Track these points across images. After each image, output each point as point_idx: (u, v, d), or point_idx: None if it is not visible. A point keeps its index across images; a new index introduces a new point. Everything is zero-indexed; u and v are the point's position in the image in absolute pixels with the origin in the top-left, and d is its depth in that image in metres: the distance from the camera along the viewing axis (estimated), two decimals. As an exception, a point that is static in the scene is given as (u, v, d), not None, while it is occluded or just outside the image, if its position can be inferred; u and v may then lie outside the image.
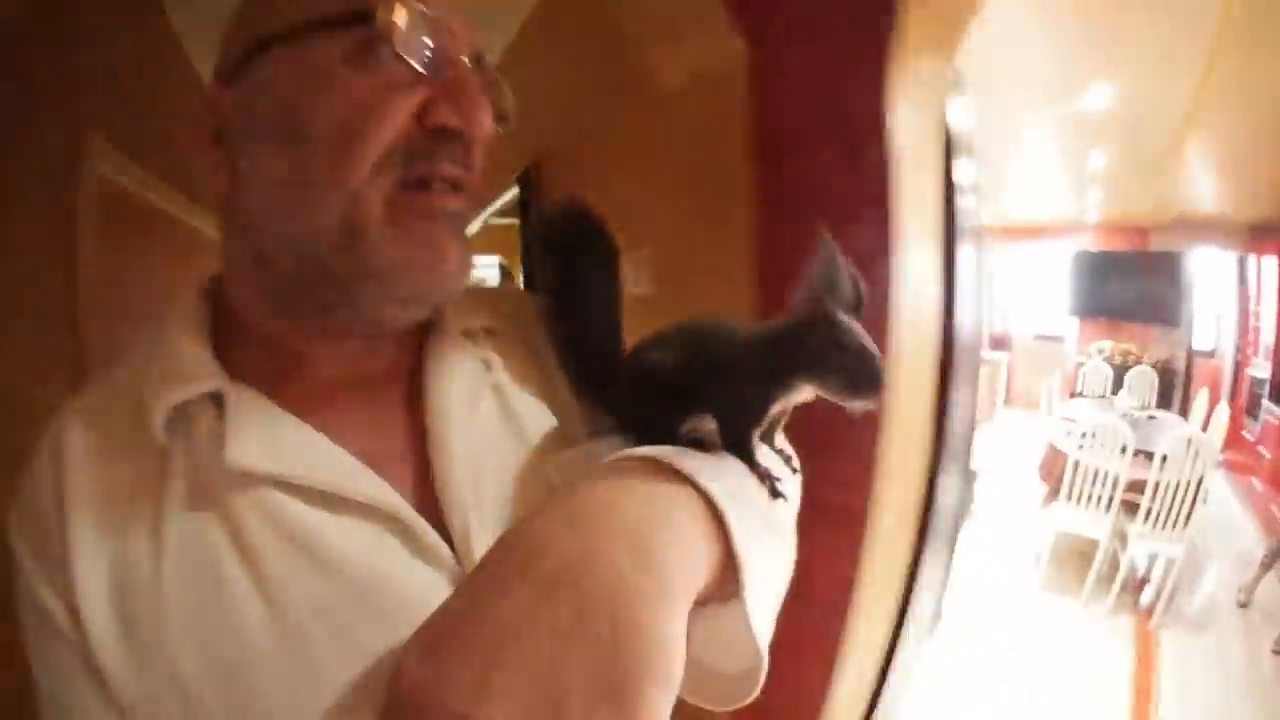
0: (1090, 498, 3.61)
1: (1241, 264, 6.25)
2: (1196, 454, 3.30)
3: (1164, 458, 3.35)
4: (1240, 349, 6.14)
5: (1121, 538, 3.56)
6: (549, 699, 0.23)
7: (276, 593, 0.36)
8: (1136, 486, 3.45)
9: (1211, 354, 6.83)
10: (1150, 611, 3.49)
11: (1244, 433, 5.53)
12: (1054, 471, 3.81)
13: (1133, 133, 3.83)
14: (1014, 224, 7.43)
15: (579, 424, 0.52)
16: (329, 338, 0.45)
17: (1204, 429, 4.39)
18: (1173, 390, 6.37)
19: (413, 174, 0.40)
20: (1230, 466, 5.41)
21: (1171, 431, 3.44)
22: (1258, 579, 3.66)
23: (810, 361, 0.38)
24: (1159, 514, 3.42)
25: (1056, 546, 3.86)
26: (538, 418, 0.50)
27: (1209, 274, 6.81)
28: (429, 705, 0.24)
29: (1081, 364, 6.69)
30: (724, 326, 0.45)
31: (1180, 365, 6.80)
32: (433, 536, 0.41)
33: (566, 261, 0.54)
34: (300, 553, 0.37)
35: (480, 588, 0.28)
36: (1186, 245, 6.63)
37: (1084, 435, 3.66)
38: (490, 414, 0.48)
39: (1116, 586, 3.53)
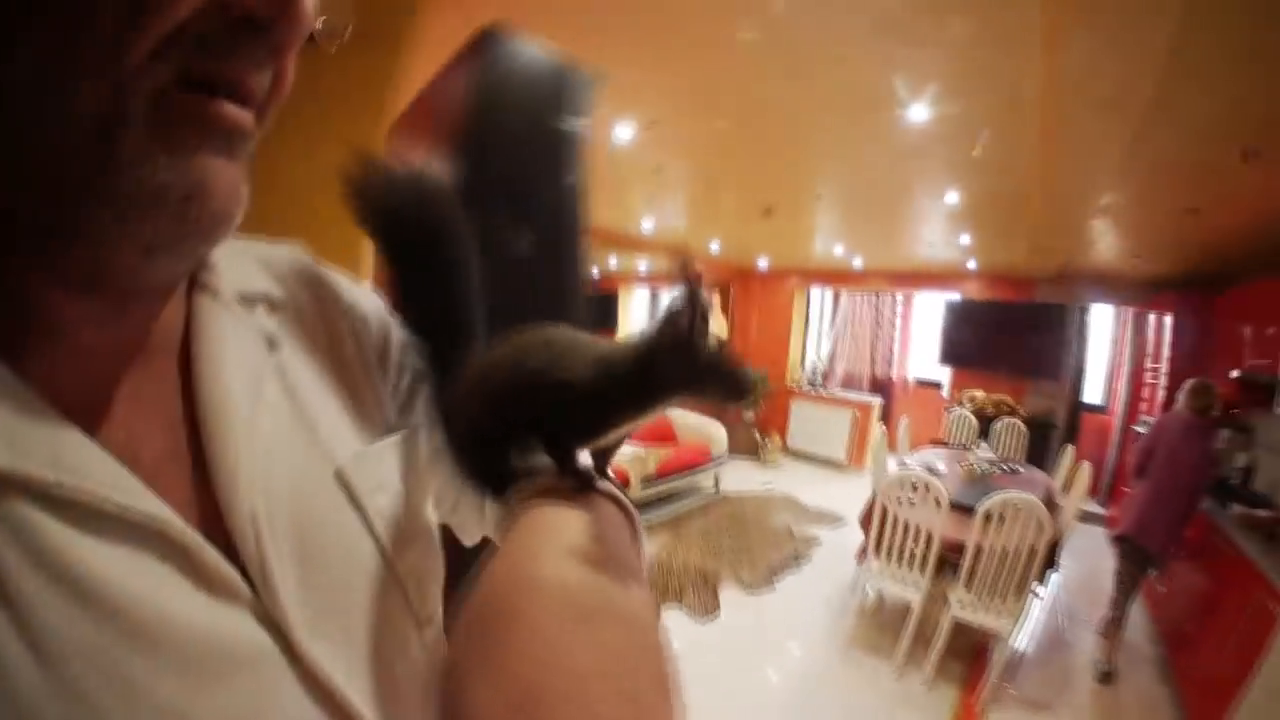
0: (904, 554, 3.35)
1: (1138, 320, 6.31)
2: (1028, 516, 2.98)
3: (987, 516, 3.03)
4: (1131, 406, 6.15)
5: (944, 601, 3.29)
6: (627, 700, 0.28)
7: (44, 640, 0.27)
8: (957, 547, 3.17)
9: (1103, 410, 6.90)
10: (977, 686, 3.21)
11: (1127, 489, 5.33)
12: (871, 522, 3.51)
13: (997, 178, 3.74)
14: (902, 269, 7.35)
15: (374, 419, 0.46)
16: (73, 289, 0.32)
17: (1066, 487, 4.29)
18: (1048, 445, 6.19)
19: (198, 70, 0.29)
20: (1113, 525, 5.13)
21: (1002, 491, 3.11)
22: (1111, 650, 3.55)
23: (691, 380, 0.39)
24: (982, 579, 3.09)
25: (879, 604, 3.66)
26: (329, 411, 0.43)
27: (1101, 328, 6.92)
28: None
29: (949, 411, 6.42)
30: (581, 346, 0.43)
31: (1060, 419, 6.66)
32: (221, 564, 0.33)
33: (402, 250, 0.48)
34: (63, 586, 0.28)
35: (534, 645, 0.29)
36: (1077, 298, 6.62)
37: (904, 486, 3.32)
38: (278, 405, 0.39)
39: (934, 655, 3.23)
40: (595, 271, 7.19)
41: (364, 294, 0.51)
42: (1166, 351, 5.50)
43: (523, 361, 0.42)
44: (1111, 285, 6.26)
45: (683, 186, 4.27)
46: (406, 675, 0.42)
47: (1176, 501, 3.55)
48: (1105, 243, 4.80)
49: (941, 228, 4.89)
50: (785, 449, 7.93)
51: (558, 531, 0.36)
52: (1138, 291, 6.12)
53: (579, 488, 0.40)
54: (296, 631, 0.34)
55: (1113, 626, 3.77)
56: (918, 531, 3.21)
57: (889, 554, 3.35)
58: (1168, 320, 5.42)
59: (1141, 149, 2.65)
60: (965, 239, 5.12)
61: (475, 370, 0.45)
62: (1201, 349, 5.11)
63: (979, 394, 6.83)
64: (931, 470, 4.24)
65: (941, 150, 2.99)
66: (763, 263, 7.89)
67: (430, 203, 0.47)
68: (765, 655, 3.44)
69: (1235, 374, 4.34)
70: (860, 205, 4.53)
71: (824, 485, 6.74)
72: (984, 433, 6.06)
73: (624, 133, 2.93)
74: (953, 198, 3.80)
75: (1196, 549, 3.69)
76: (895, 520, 3.28)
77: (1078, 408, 7.17)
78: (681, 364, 0.38)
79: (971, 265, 6.48)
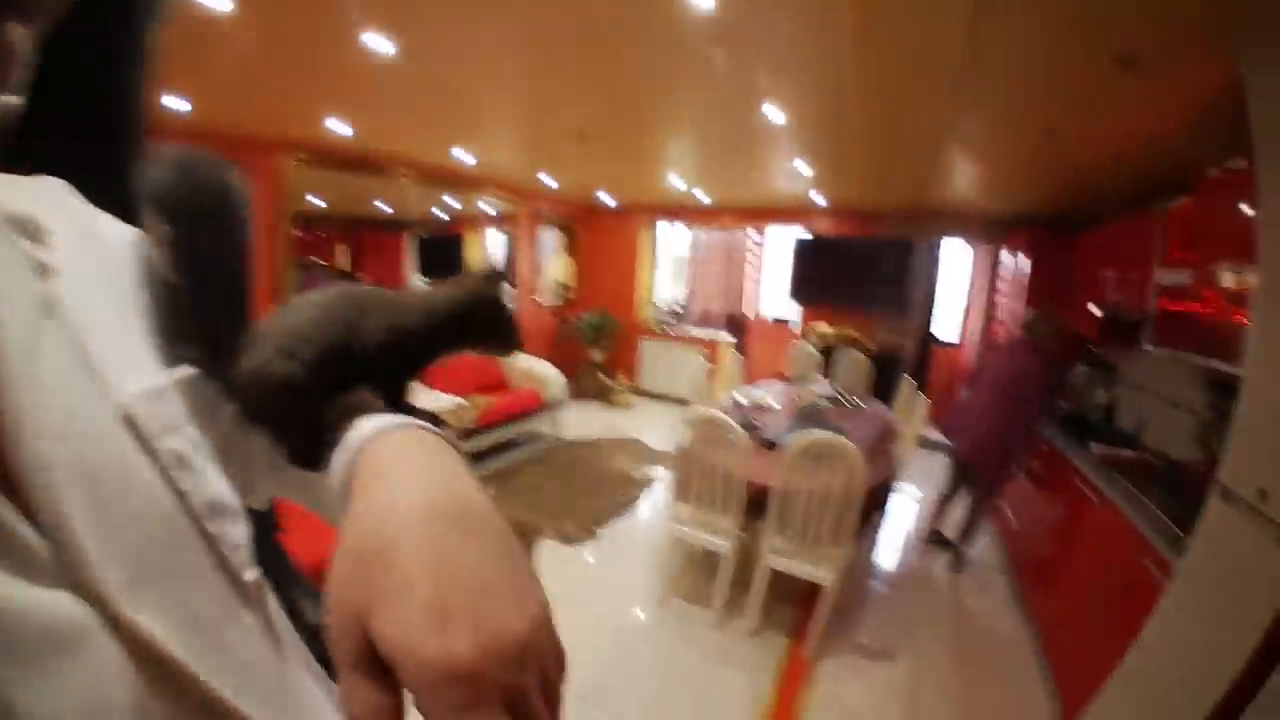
0: (713, 498, 3.02)
1: (993, 257, 6.29)
2: (840, 458, 2.68)
3: (799, 455, 2.73)
4: (984, 342, 6.15)
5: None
6: (524, 597, 0.32)
7: None
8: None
9: (956, 346, 6.95)
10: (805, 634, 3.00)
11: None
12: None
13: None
14: (753, 205, 7.07)
15: (151, 355, 0.42)
16: None
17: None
18: (895, 379, 6.21)
19: None
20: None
21: (810, 431, 2.85)
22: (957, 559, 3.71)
23: (484, 331, 0.51)
24: (796, 525, 2.84)
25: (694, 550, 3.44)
26: (109, 347, 0.38)
27: (956, 265, 6.89)
28: (476, 662, 0.28)
29: (796, 347, 6.31)
30: (387, 295, 0.49)
31: (908, 354, 6.68)
32: (19, 527, 0.29)
33: (186, 227, 0.45)
34: None
35: (421, 562, 0.31)
36: (929, 235, 6.57)
37: (703, 425, 3.00)
38: (53, 337, 0.35)
39: (755, 606, 3.04)
40: (436, 213, 6.53)
41: (123, 227, 0.46)
42: (1024, 289, 5.47)
43: (356, 313, 0.47)
44: (967, 222, 6.23)
45: (479, 109, 3.80)
46: (242, 643, 0.40)
47: (999, 422, 3.57)
48: (957, 174, 4.64)
49: (778, 156, 4.61)
50: (636, 389, 7.72)
51: (409, 460, 0.38)
52: (995, 228, 6.10)
53: (407, 423, 0.42)
54: (117, 602, 0.30)
55: (955, 557, 3.84)
56: (726, 474, 2.90)
57: (698, 498, 3.08)
58: (1024, 259, 5.37)
59: (983, 58, 2.38)
60: (804, 168, 4.84)
61: (290, 328, 0.46)
62: (1060, 286, 5.06)
63: (826, 329, 6.72)
64: (760, 405, 4.00)
65: (750, 54, 2.68)
66: (607, 199, 7.48)
67: (222, 174, 0.46)
68: (578, 610, 3.16)
69: (1096, 311, 4.27)
70: (685, 130, 4.25)
71: (673, 425, 6.48)
72: (829, 367, 5.96)
73: (383, 45, 2.57)
74: (777, 115, 3.47)
75: (1054, 488, 3.61)
76: (699, 462, 2.99)
77: (929, 343, 7.17)
78: (489, 316, 0.50)
79: (820, 200, 6.26)
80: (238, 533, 0.42)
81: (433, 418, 0.46)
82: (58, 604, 0.29)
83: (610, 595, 3.36)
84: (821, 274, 6.88)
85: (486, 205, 6.81)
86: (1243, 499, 1.71)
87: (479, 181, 6.10)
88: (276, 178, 4.37)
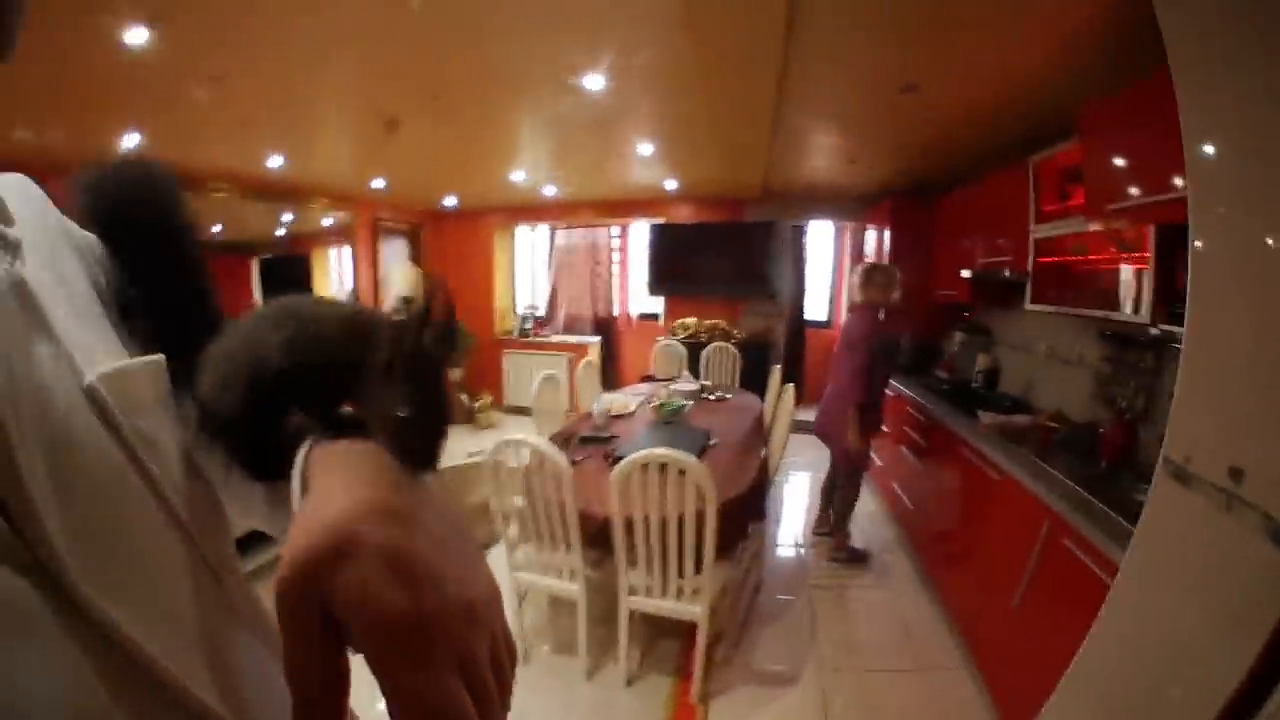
0: (547, 536, 2.48)
1: (856, 233, 6.10)
2: (684, 474, 2.18)
3: (635, 475, 2.17)
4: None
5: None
6: (476, 571, 0.35)
7: None
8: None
9: (827, 325, 6.75)
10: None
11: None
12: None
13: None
14: (610, 198, 6.54)
15: (115, 348, 0.42)
16: None
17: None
18: (767, 366, 5.84)
19: None
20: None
21: (642, 447, 2.31)
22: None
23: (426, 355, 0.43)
24: (649, 557, 2.28)
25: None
26: (73, 328, 0.37)
27: (821, 244, 6.74)
28: (432, 615, 0.29)
29: (658, 344, 5.81)
30: (308, 308, 0.46)
31: (779, 339, 6.30)
32: None
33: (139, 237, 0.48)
34: None
35: (380, 532, 0.31)
36: (791, 215, 6.26)
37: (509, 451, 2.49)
38: (15, 312, 0.34)
39: (622, 653, 2.57)
40: (279, 231, 5.68)
41: (78, 229, 0.46)
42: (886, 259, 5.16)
43: (272, 330, 0.43)
44: (830, 200, 5.96)
45: (283, 109, 3.30)
46: (207, 630, 0.39)
47: (838, 389, 3.40)
48: (815, 148, 4.34)
49: (627, 146, 4.29)
50: (501, 406, 7.05)
51: (357, 460, 0.37)
52: (857, 204, 5.85)
53: (355, 437, 0.40)
54: (76, 585, 0.29)
55: (839, 536, 3.58)
56: (560, 505, 2.35)
57: (539, 537, 2.52)
58: (886, 230, 5.09)
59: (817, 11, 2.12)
60: (656, 157, 4.47)
61: (225, 353, 0.44)
62: (924, 254, 4.83)
63: (691, 321, 6.29)
64: (616, 415, 3.49)
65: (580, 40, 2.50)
66: (451, 201, 6.77)
67: (162, 186, 0.48)
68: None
69: (966, 273, 3.98)
70: (519, 121, 3.90)
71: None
72: (697, 361, 5.49)
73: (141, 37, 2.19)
74: (620, 103, 3.07)
75: (946, 464, 3.26)
76: (530, 495, 2.46)
77: (801, 325, 6.93)
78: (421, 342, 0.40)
79: (672, 186, 5.85)
80: (213, 523, 0.43)
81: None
82: (7, 583, 0.27)
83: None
84: (680, 263, 6.41)
85: (328, 219, 6.03)
86: (1207, 481, 1.28)
87: (305, 191, 5.41)
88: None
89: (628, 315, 7.32)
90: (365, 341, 0.41)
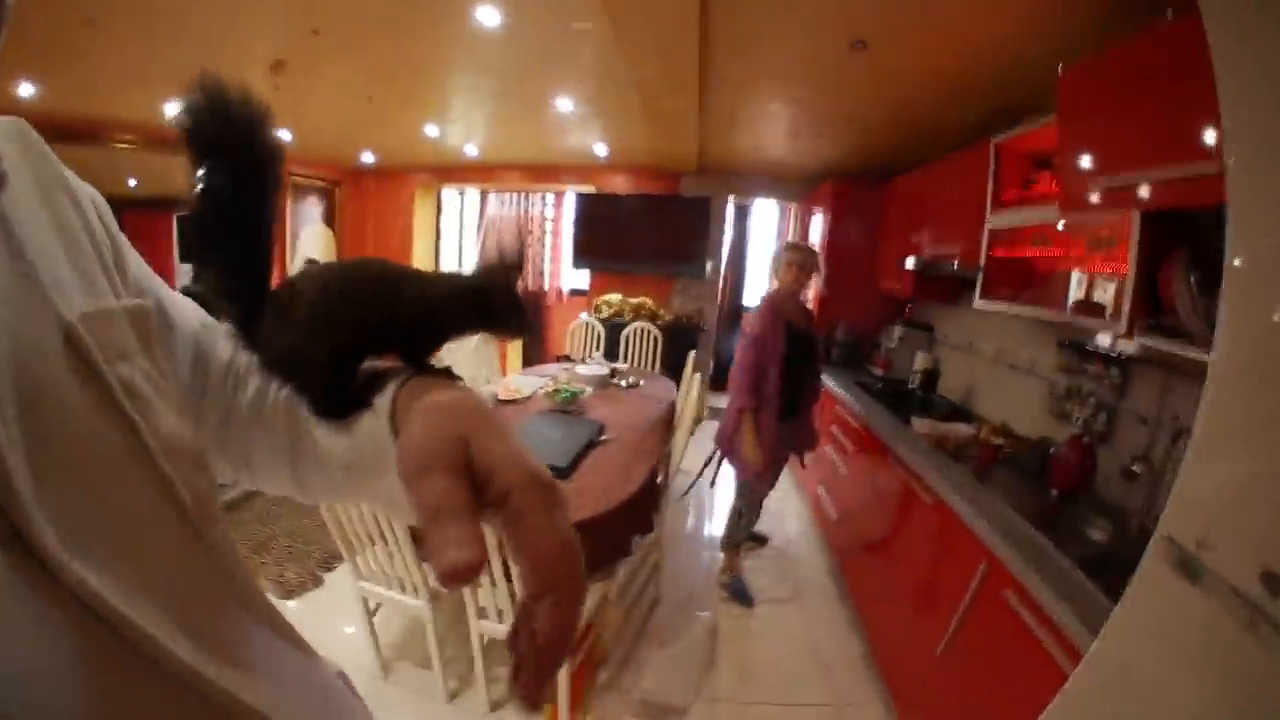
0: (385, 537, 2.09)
1: (802, 214, 5.68)
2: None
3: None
4: None
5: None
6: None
7: None
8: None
9: None
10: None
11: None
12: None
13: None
14: (541, 162, 5.98)
15: (104, 291, 0.39)
16: None
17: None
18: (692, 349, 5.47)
19: None
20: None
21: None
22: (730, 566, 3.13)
23: (496, 317, 0.49)
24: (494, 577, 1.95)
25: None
26: (57, 268, 0.36)
27: (764, 225, 6.43)
28: (554, 479, 0.34)
29: (574, 322, 5.37)
30: (415, 272, 0.49)
31: (709, 322, 5.90)
32: None
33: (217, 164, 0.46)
34: None
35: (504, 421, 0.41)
36: (731, 192, 5.85)
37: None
38: None
39: (479, 677, 2.23)
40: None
41: (77, 179, 0.43)
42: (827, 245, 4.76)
43: (391, 286, 0.48)
44: (774, 178, 5.55)
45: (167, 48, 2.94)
46: (191, 594, 0.37)
47: (737, 395, 2.81)
48: (754, 121, 3.91)
49: (556, 107, 3.89)
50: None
51: (459, 392, 0.41)
52: (803, 185, 5.46)
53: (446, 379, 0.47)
54: (51, 547, 0.27)
55: (727, 559, 3.15)
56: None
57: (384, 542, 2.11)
58: (828, 213, 4.68)
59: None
60: (568, 106, 3.96)
61: (329, 298, 0.47)
62: (868, 241, 4.46)
63: (614, 298, 5.81)
64: (505, 400, 3.06)
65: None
66: (369, 158, 6.14)
67: (262, 123, 0.47)
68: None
69: (910, 263, 3.57)
70: (430, 69, 3.47)
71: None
72: (617, 342, 5.07)
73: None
74: (488, 12, 2.55)
75: (874, 480, 2.90)
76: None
77: (738, 310, 6.57)
78: (504, 301, 0.49)
79: (602, 153, 5.33)
80: (199, 481, 0.40)
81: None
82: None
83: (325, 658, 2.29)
84: (607, 236, 5.87)
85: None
86: (1225, 581, 0.90)
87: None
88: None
89: (558, 290, 6.84)
90: (460, 302, 0.49)
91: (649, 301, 5.77)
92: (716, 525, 3.75)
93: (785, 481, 4.36)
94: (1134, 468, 2.14)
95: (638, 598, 2.90)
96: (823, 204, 4.78)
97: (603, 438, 2.63)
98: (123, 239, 0.45)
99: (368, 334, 0.47)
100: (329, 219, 6.64)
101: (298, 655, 0.48)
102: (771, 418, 2.77)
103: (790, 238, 6.02)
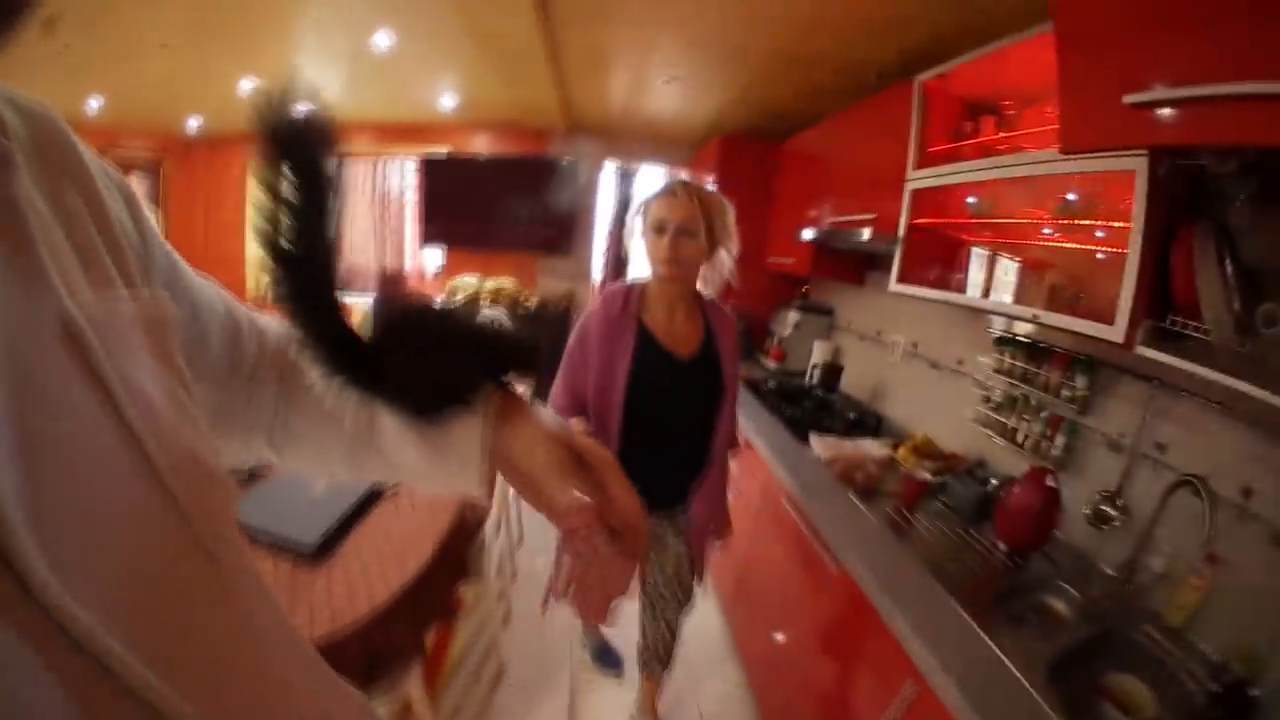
0: None
1: (694, 177, 4.71)
2: None
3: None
4: None
5: None
6: None
7: None
8: None
9: None
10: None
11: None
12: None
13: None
14: (396, 123, 4.96)
15: (108, 277, 0.36)
16: None
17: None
18: (563, 340, 4.68)
19: None
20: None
21: None
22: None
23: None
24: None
25: None
26: (63, 256, 0.32)
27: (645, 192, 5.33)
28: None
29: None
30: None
31: (586, 304, 5.14)
32: None
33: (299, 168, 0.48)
34: None
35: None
36: (610, 155, 5.04)
37: None
38: None
39: None
40: None
41: (107, 164, 0.41)
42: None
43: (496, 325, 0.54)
44: (658, 139, 4.78)
45: None
46: (195, 626, 0.33)
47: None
48: (619, 59, 3.18)
49: (359, 38, 3.06)
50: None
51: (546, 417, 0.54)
52: (690, 147, 4.75)
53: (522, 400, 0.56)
54: (39, 576, 0.24)
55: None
56: None
57: None
58: (713, 180, 3.95)
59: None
60: (386, 41, 3.14)
61: (457, 325, 0.53)
62: (761, 209, 3.77)
63: (470, 281, 4.93)
64: None
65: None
66: (196, 125, 5.08)
67: (329, 133, 0.48)
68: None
69: (809, 235, 2.91)
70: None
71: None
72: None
73: None
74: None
75: (767, 519, 2.29)
76: None
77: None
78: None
79: (450, 105, 4.43)
80: (212, 498, 0.37)
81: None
82: None
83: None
84: (461, 207, 4.94)
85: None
86: None
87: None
88: None
89: (421, 270, 5.81)
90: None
91: (511, 284, 4.92)
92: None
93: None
94: (1104, 508, 1.62)
95: (476, 673, 2.22)
96: (709, 167, 4.07)
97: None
98: (152, 230, 0.43)
99: (496, 355, 0.54)
100: (156, 198, 5.50)
101: (321, 690, 0.46)
102: None
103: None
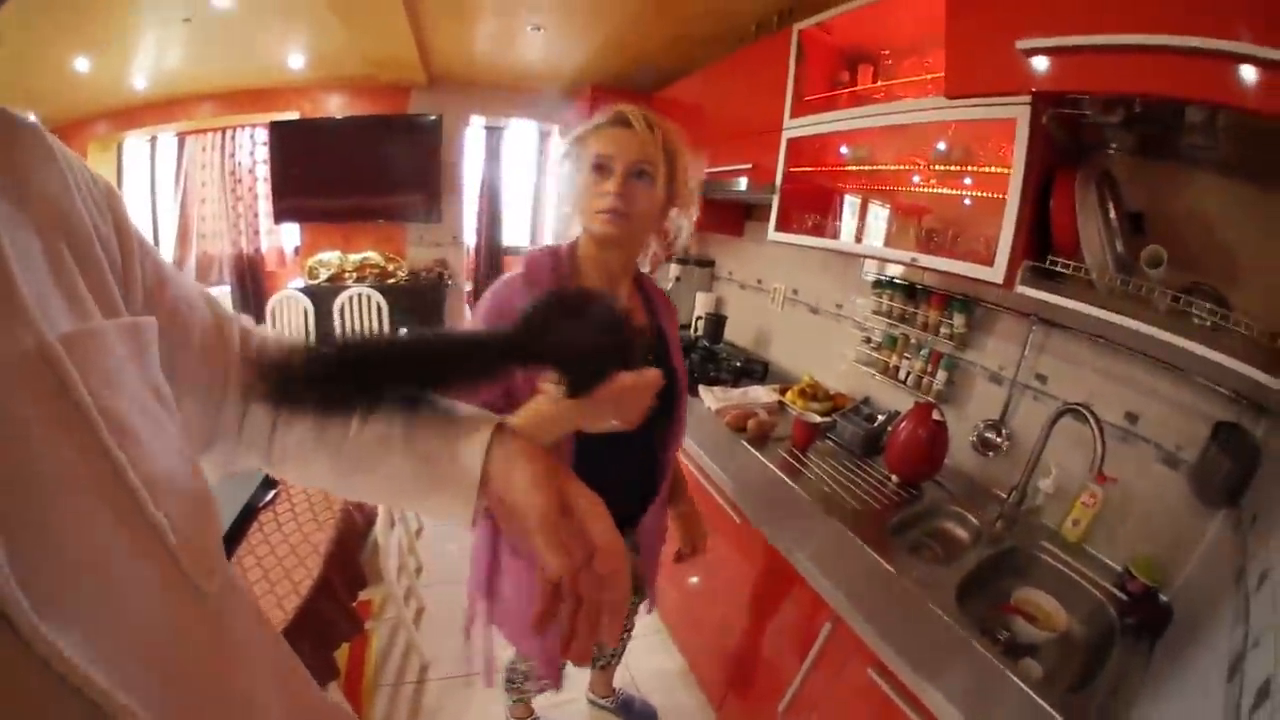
0: None
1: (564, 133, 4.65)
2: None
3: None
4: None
5: None
6: None
7: None
8: None
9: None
10: None
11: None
12: None
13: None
14: (242, 87, 4.37)
15: (88, 305, 0.35)
16: None
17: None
18: (443, 310, 4.55)
19: None
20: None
21: None
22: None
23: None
24: None
25: None
26: (38, 280, 0.32)
27: (519, 148, 5.46)
28: None
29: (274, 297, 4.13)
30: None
31: (462, 275, 4.97)
32: None
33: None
34: None
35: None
36: (477, 111, 4.78)
37: None
38: None
39: None
40: None
41: (91, 172, 0.41)
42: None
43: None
44: (527, 93, 4.59)
45: None
46: (189, 664, 0.34)
47: None
48: (495, 20, 3.11)
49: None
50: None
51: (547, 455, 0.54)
52: (562, 102, 4.54)
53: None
54: (21, 610, 0.24)
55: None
56: None
57: None
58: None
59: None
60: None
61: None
62: None
63: (332, 257, 4.51)
64: None
65: None
66: (32, 117, 3.96)
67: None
68: None
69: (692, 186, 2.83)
70: None
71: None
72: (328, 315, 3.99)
73: None
74: None
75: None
76: None
77: (498, 253, 5.63)
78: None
79: (298, 65, 4.05)
80: (196, 526, 0.36)
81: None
82: None
83: None
84: (317, 177, 4.48)
85: None
86: None
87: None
88: None
89: (280, 252, 5.22)
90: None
91: (376, 256, 4.58)
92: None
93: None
94: (989, 436, 1.75)
95: (399, 678, 2.13)
96: (581, 120, 3.96)
97: (268, 497, 1.74)
98: (135, 239, 0.42)
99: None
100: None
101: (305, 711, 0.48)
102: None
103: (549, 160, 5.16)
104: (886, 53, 1.96)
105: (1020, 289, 1.34)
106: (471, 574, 1.37)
